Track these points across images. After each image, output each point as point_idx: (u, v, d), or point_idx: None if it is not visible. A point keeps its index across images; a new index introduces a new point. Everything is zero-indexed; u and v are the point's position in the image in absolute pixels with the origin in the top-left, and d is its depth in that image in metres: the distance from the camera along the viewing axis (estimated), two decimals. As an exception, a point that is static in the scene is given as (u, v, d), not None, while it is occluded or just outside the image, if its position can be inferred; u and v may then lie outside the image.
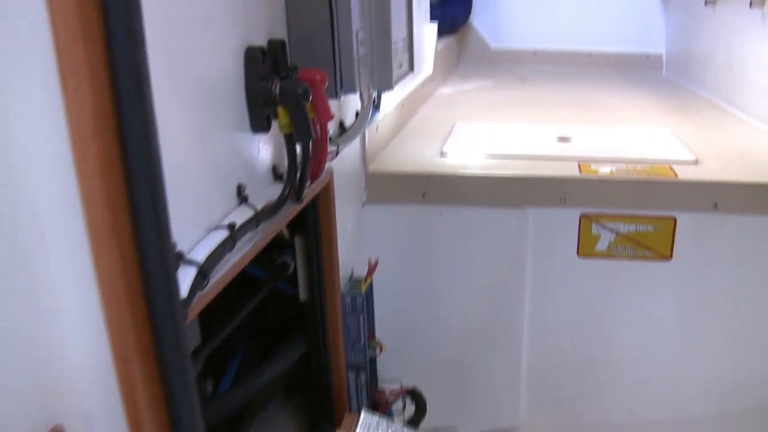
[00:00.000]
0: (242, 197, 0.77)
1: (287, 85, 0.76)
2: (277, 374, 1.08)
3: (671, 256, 1.29)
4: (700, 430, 1.41)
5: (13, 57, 0.43)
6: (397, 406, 1.30)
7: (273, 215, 0.79)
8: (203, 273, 0.63)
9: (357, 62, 0.93)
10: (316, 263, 1.06)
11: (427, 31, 1.37)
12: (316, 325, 1.10)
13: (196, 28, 0.66)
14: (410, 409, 1.31)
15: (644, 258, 1.30)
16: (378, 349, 1.25)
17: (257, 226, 0.76)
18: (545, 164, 1.35)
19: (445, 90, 2.28)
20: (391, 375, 1.32)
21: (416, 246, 1.34)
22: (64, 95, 0.45)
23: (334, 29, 0.89)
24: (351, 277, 1.24)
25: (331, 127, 1.04)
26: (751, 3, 1.82)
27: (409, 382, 1.31)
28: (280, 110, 0.77)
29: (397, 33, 1.04)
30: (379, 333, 1.30)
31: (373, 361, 1.27)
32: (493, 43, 2.86)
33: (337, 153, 1.06)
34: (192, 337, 0.97)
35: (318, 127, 0.82)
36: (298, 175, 0.82)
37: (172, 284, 0.53)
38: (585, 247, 1.30)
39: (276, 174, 0.87)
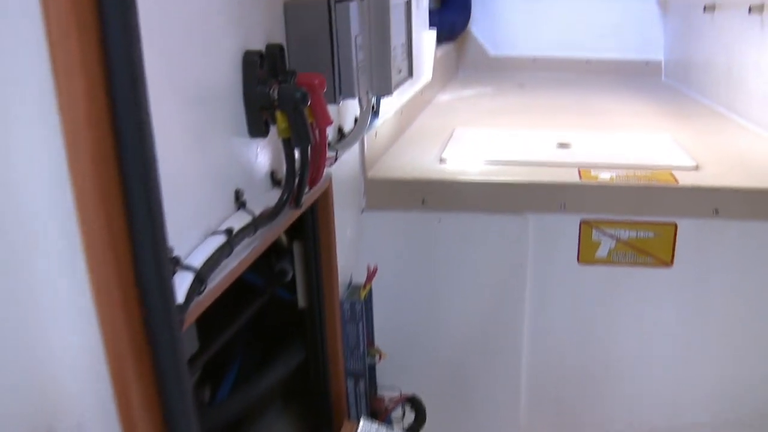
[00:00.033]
0: (240, 202, 0.76)
1: (285, 90, 0.76)
2: (275, 381, 1.08)
3: (672, 262, 1.28)
4: (702, 437, 1.41)
5: (3, 51, 0.43)
6: (397, 413, 1.30)
7: (271, 221, 0.79)
8: (200, 278, 0.63)
9: (356, 67, 0.93)
10: (314, 270, 1.06)
11: (426, 38, 1.38)
12: (314, 332, 1.10)
13: (193, 32, 0.66)
14: (410, 416, 1.30)
15: (645, 264, 1.29)
16: (377, 357, 1.25)
17: (255, 231, 0.75)
18: (545, 170, 1.34)
19: (445, 97, 2.28)
20: (391, 382, 1.31)
21: (416, 253, 1.33)
22: (56, 90, 0.44)
23: (333, 34, 0.88)
24: (350, 283, 1.23)
25: (330, 133, 1.04)
26: (749, 9, 1.82)
27: (408, 390, 1.31)
28: (279, 115, 0.76)
29: (396, 39, 1.04)
30: (379, 340, 1.29)
31: (372, 369, 1.27)
32: (492, 50, 2.87)
33: (336, 159, 1.05)
34: (189, 344, 0.97)
35: (317, 131, 0.81)
36: (297, 180, 0.81)
37: (168, 288, 0.52)
38: (585, 254, 1.30)
39: (274, 179, 0.86)
